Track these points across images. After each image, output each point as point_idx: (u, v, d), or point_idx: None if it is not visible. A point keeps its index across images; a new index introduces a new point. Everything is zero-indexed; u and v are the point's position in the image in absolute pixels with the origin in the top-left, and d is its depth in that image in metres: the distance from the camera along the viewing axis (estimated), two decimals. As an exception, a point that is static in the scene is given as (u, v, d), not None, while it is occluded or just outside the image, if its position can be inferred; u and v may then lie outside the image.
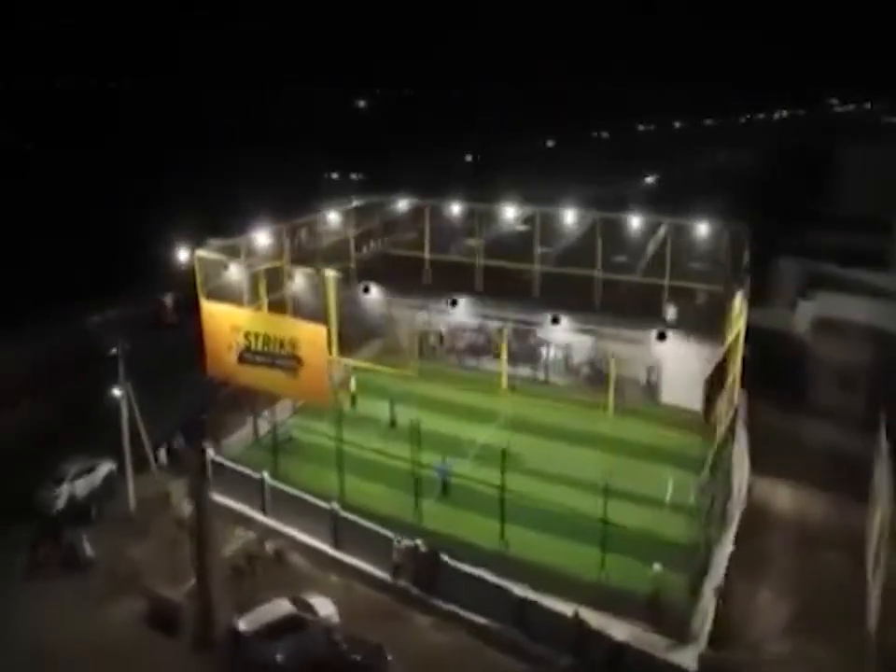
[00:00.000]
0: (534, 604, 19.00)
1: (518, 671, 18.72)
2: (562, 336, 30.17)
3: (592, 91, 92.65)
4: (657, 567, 19.07)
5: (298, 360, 22.27)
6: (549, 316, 26.04)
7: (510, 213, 31.15)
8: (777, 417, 29.17)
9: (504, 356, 22.90)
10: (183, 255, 22.98)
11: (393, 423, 27.91)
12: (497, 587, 19.55)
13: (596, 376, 30.29)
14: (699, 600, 18.91)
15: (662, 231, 29.58)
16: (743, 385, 29.01)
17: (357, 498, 23.35)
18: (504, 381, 25.95)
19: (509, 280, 31.58)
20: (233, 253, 23.87)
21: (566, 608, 18.98)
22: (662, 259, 29.61)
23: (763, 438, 27.21)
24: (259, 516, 24.08)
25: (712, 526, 20.64)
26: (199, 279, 22.94)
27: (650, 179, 59.70)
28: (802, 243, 42.91)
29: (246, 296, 24.81)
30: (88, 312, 34.58)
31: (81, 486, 25.10)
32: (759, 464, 25.42)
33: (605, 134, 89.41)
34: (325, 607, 19.75)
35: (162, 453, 26.97)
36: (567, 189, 45.65)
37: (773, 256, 40.67)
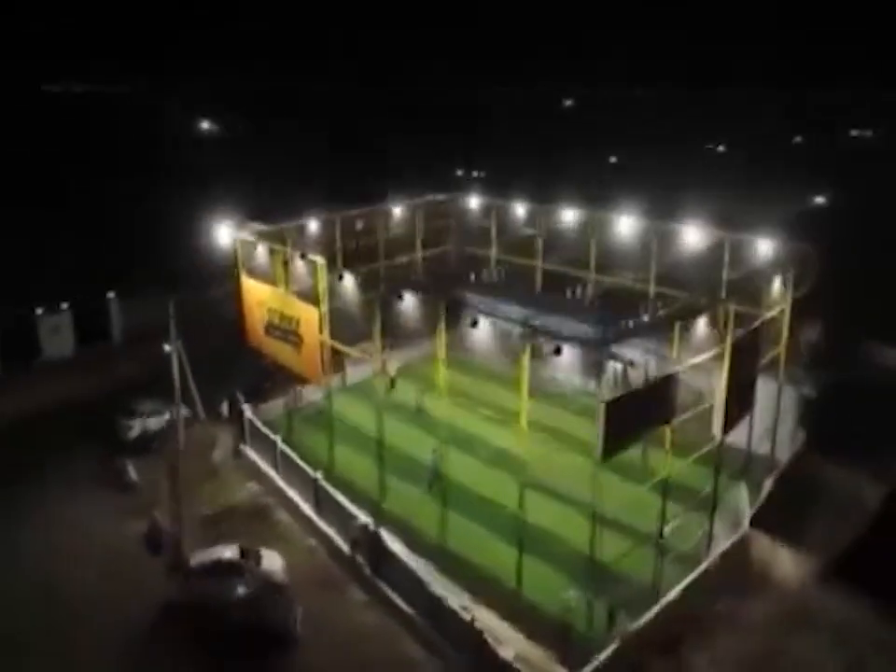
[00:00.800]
0: (443, 602, 19.13)
1: (419, 663, 19.07)
2: (627, 352, 28.68)
3: (788, 88, 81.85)
4: (571, 594, 18.16)
5: (300, 338, 24.45)
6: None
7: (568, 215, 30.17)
8: (847, 475, 24.99)
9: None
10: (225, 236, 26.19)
11: (419, 410, 29.10)
12: (419, 579, 19.98)
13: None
14: (610, 640, 17.58)
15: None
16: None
17: (345, 472, 25.11)
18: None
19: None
20: (276, 238, 26.56)
21: (477, 613, 19.03)
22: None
23: (809, 493, 23.75)
24: (270, 473, 26.83)
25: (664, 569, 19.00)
26: (239, 258, 26.13)
27: (820, 199, 51.56)
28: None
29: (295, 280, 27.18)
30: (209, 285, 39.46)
31: (152, 423, 29.91)
32: (780, 521, 22.21)
33: (798, 139, 78.12)
34: (272, 561, 21.70)
35: (224, 407, 31.04)
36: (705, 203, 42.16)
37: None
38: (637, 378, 29.33)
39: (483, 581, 20.48)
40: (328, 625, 20.17)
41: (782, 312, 22.39)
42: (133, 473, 26.69)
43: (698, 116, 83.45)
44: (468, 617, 18.36)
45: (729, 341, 18.64)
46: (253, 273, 26.55)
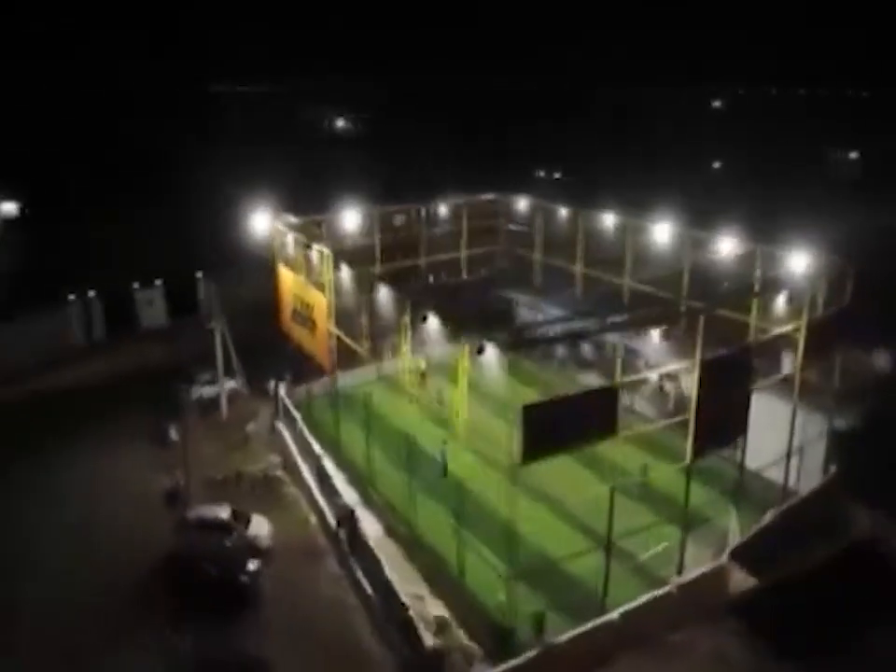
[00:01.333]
0: (391, 586, 19.71)
1: (365, 643, 19.69)
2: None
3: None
4: (500, 597, 18.11)
5: (314, 323, 25.96)
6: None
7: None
8: (874, 519, 22.57)
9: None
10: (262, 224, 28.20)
11: (440, 403, 29.70)
12: (378, 563, 20.69)
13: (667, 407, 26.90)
14: (533, 645, 17.31)
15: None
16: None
17: (353, 454, 26.30)
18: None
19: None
20: (307, 230, 28.14)
21: (428, 602, 19.54)
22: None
23: (816, 532, 21.60)
24: (292, 448, 28.67)
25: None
26: (275, 246, 28.10)
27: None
28: None
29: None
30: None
31: (208, 391, 32.91)
32: (771, 557, 20.46)
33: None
34: (260, 525, 23.35)
35: (272, 384, 33.41)
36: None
37: None
38: (672, 390, 28.21)
39: (444, 573, 20.82)
40: (295, 593, 21.41)
41: (798, 330, 20.55)
42: (174, 434, 29.60)
43: (838, 118, 76.14)
44: (406, 602, 18.90)
45: (698, 356, 17.57)
46: (289, 262, 28.48)
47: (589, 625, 17.50)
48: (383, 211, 31.31)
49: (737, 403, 19.29)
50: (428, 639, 17.79)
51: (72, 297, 38.09)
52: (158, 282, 40.69)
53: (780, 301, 20.12)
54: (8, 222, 44.39)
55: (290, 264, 28.07)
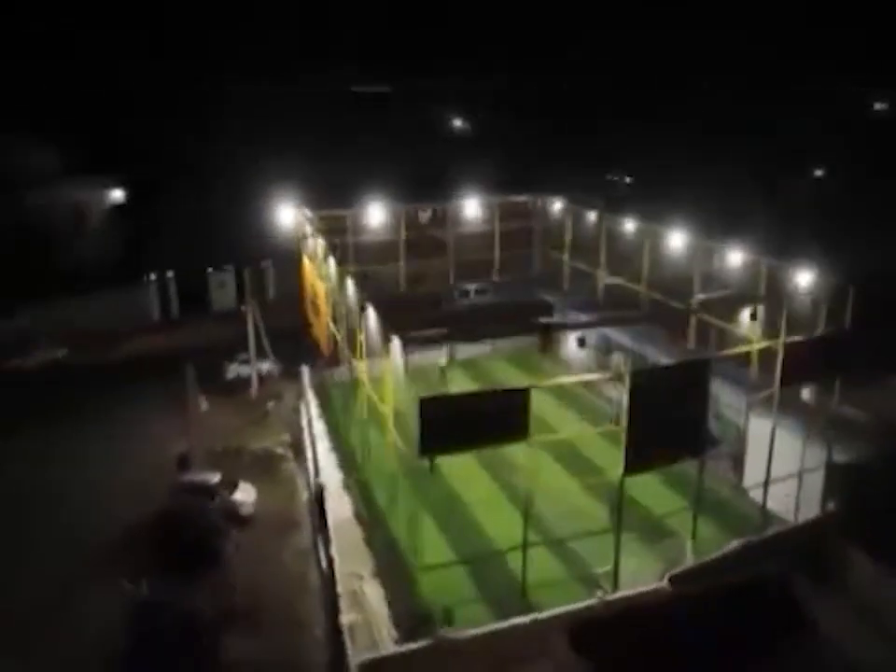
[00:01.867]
0: (332, 563, 20.52)
1: (301, 623, 20.26)
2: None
3: None
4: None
5: (318, 310, 27.35)
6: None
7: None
8: (874, 569, 20.40)
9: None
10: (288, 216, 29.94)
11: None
12: (328, 539, 21.59)
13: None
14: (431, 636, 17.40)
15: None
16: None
17: (352, 439, 27.38)
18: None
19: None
20: (325, 223, 29.51)
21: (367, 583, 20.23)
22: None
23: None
24: (303, 426, 30.28)
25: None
26: (299, 238, 29.83)
27: None
28: None
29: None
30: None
31: (245, 370, 35.47)
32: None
33: None
34: (246, 493, 25.06)
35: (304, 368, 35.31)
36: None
37: None
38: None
39: (395, 556, 21.30)
40: (261, 561, 22.69)
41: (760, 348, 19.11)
42: (204, 405, 32.16)
43: None
44: (338, 578, 19.65)
45: (628, 366, 16.90)
46: (309, 253, 30.16)
47: (492, 626, 17.39)
48: (409, 208, 32.15)
49: (687, 419, 18.25)
50: (345, 617, 18.45)
51: (152, 277, 42.40)
52: (228, 266, 44.23)
53: (745, 315, 18.79)
54: (116, 208, 49.85)
55: (309, 256, 29.77)
